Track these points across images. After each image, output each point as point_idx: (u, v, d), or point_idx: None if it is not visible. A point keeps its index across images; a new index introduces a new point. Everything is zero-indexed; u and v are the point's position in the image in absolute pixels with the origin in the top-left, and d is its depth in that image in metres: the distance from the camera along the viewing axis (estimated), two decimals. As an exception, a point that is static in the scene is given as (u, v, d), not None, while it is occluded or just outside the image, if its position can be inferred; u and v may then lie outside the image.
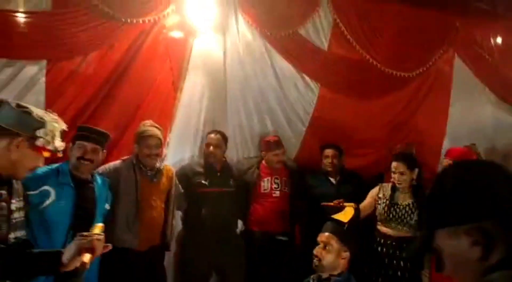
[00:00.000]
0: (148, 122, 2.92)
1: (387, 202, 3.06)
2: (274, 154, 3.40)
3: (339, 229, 2.29)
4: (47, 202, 2.28)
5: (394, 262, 2.98)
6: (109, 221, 2.50)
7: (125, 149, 3.16)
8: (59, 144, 1.64)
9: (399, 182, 3.03)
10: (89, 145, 2.45)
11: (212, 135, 3.30)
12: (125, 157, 2.96)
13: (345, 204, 3.02)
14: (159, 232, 2.91)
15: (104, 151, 2.60)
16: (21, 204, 1.80)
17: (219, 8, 3.43)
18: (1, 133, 1.50)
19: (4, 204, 1.63)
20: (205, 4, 3.33)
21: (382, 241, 3.05)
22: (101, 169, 2.78)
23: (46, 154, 1.61)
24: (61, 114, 2.66)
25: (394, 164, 3.05)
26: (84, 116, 3.01)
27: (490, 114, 3.98)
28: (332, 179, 3.55)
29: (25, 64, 2.85)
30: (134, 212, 2.75)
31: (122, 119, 3.21)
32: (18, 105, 1.55)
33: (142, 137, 2.83)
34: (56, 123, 1.63)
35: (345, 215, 2.94)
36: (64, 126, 1.68)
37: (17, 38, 2.80)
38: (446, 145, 3.86)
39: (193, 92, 3.47)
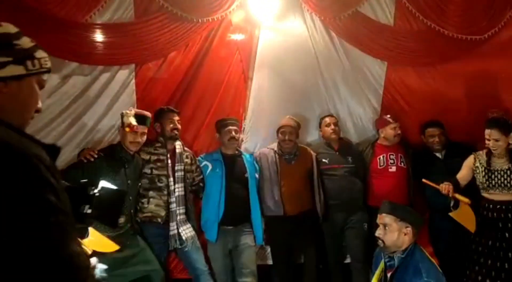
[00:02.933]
0: None
1: (486, 169, 3.02)
2: (391, 127, 3.54)
3: (395, 206, 2.32)
4: (208, 171, 3.31)
5: (501, 224, 2.97)
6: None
7: (206, 136, 3.56)
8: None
9: (494, 148, 2.97)
10: (232, 128, 3.29)
11: (327, 119, 3.60)
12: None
13: (457, 196, 2.94)
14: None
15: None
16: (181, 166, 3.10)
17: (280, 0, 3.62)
18: None
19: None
20: (267, -3, 3.54)
21: (488, 206, 3.03)
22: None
23: None
24: (150, 110, 3.18)
25: (487, 131, 2.98)
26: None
27: None
28: (438, 154, 3.56)
29: (118, 69, 3.31)
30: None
31: (201, 109, 3.56)
32: None
33: None
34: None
35: (469, 221, 2.96)
36: None
37: (110, 47, 3.25)
38: None
39: (261, 81, 3.69)
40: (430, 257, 2.24)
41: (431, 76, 3.75)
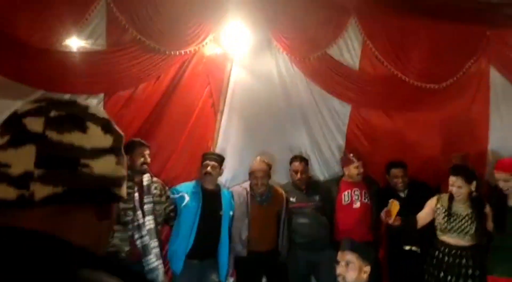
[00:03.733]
0: None
1: (446, 212, 3.09)
2: (354, 166, 3.64)
3: (357, 245, 2.38)
4: (184, 203, 3.28)
5: (456, 270, 3.04)
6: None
7: (174, 168, 3.57)
8: None
9: (457, 195, 3.05)
10: (209, 163, 3.29)
11: (296, 164, 3.65)
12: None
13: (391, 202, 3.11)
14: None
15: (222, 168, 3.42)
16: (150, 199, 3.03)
17: (253, 36, 3.70)
18: None
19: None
20: (240, 33, 3.61)
21: (443, 249, 3.11)
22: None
23: None
24: None
25: (452, 178, 3.04)
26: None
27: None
28: (401, 193, 3.67)
29: (86, 98, 3.26)
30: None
31: (170, 141, 3.58)
32: None
33: None
34: None
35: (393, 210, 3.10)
36: None
37: (79, 74, 3.20)
38: (490, 152, 3.89)
39: (231, 115, 3.76)
40: None
41: (393, 119, 3.96)
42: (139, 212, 3.02)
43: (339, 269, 2.28)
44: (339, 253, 2.35)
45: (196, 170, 3.45)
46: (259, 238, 3.42)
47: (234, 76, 3.76)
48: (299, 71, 3.82)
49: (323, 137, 3.94)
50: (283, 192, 3.61)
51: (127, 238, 2.98)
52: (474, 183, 3.05)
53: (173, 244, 3.31)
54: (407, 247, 3.43)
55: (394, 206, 3.11)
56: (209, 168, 3.32)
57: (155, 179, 3.27)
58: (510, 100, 3.95)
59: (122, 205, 2.96)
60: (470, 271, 3.00)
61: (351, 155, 3.72)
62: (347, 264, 2.26)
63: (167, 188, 3.35)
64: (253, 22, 3.67)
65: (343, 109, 3.95)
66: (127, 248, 2.98)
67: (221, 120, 3.75)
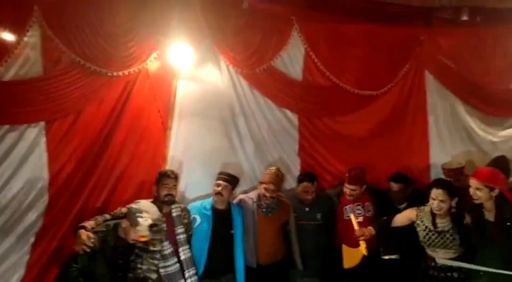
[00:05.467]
0: None
1: (428, 229, 3.07)
2: (347, 187, 3.65)
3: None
4: (196, 224, 3.39)
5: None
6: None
7: (125, 188, 3.50)
8: None
9: (437, 209, 3.01)
10: (218, 182, 3.39)
11: (306, 184, 3.66)
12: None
13: (361, 244, 3.22)
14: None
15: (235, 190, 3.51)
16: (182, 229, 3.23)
17: (198, 51, 3.69)
18: None
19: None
20: (185, 49, 3.57)
21: (430, 264, 3.11)
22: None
23: None
24: (63, 168, 3.09)
25: (435, 191, 3.01)
26: (84, 167, 3.31)
27: (465, 123, 4.21)
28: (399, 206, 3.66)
29: (26, 128, 3.12)
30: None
31: (121, 161, 3.49)
32: None
33: None
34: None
35: (349, 260, 3.37)
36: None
37: (17, 104, 3.06)
38: (432, 156, 4.11)
39: (180, 131, 3.74)
40: None
41: (338, 125, 4.11)
42: (165, 243, 3.13)
43: None
44: None
45: (150, 191, 3.41)
46: (265, 248, 3.48)
47: (181, 92, 3.74)
48: (246, 84, 3.86)
49: (274, 148, 4.03)
50: (289, 203, 3.64)
51: (154, 268, 3.00)
52: (456, 199, 3.04)
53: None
54: (386, 257, 3.44)
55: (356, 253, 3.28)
56: (220, 188, 3.37)
57: (184, 207, 3.41)
58: (445, 102, 4.20)
59: (151, 236, 2.91)
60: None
61: (347, 174, 3.69)
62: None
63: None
64: (197, 38, 3.66)
65: (293, 119, 4.04)
66: (154, 276, 2.99)
67: (170, 137, 3.72)
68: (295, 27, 3.90)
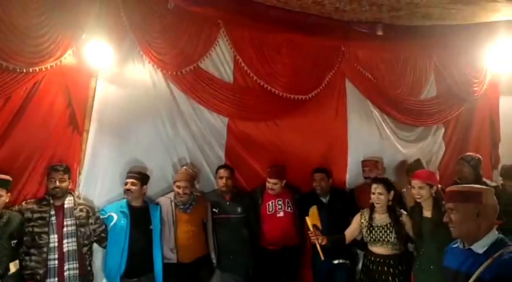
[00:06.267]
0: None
1: (368, 225, 3.34)
2: (269, 181, 3.82)
3: None
4: (112, 222, 3.41)
5: (383, 277, 3.24)
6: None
7: (30, 188, 3.26)
8: None
9: (377, 202, 3.32)
10: (128, 181, 3.45)
11: (221, 171, 3.82)
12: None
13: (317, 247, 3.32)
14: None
15: (145, 186, 3.53)
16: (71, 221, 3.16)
17: (120, 50, 3.51)
18: None
19: None
20: (103, 46, 3.36)
21: (370, 258, 3.35)
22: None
23: None
24: None
25: (374, 185, 3.36)
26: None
27: (376, 130, 4.49)
28: (323, 199, 3.94)
29: None
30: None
31: (27, 167, 3.22)
32: None
33: None
34: None
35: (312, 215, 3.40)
36: None
37: None
38: (351, 157, 4.30)
39: (100, 132, 3.53)
40: None
41: (267, 129, 4.16)
42: (53, 235, 3.10)
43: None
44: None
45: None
46: (187, 245, 3.54)
47: (101, 92, 3.52)
48: (173, 85, 3.76)
49: (202, 149, 3.96)
50: (207, 200, 3.76)
51: (41, 261, 3.05)
52: (392, 193, 3.33)
53: (108, 264, 3.41)
54: (336, 261, 3.74)
55: (313, 212, 3.44)
56: (128, 185, 3.44)
57: (81, 201, 3.37)
58: (361, 107, 4.46)
59: (36, 229, 3.07)
60: (396, 279, 3.20)
61: (269, 170, 3.86)
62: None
63: (96, 209, 3.43)
64: (119, 36, 3.48)
65: (221, 123, 4.00)
66: (41, 271, 3.04)
67: (87, 140, 3.49)
68: (222, 31, 3.89)
